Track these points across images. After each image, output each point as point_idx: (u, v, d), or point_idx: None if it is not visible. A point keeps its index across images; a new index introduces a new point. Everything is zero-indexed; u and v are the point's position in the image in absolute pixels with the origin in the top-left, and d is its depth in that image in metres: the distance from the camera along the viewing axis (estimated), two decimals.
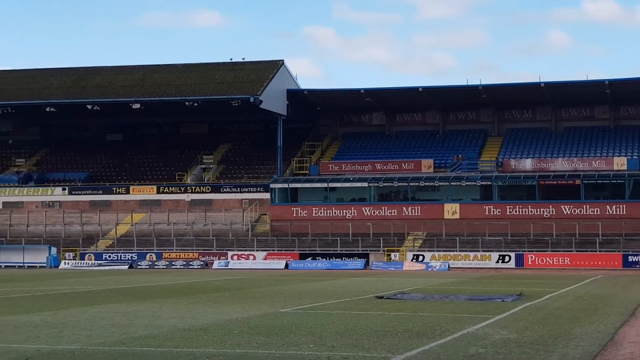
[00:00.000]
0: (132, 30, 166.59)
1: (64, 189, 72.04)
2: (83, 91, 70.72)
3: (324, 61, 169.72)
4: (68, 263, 61.60)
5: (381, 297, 28.44)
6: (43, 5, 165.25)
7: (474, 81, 74.88)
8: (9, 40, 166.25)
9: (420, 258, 58.85)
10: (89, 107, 70.48)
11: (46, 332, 18.42)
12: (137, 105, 68.20)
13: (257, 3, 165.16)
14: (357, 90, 70.36)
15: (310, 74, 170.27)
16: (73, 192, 71.69)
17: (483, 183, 64.43)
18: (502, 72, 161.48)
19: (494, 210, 62.95)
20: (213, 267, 59.56)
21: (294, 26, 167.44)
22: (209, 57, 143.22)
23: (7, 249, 63.79)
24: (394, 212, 64.37)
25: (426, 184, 65.17)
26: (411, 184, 65.09)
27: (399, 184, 65.41)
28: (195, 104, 68.89)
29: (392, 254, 59.63)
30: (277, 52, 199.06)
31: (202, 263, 60.28)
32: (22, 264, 61.57)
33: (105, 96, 69.55)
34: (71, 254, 62.84)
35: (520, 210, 62.66)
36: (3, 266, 61.47)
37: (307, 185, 67.22)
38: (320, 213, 65.42)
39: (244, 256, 61.08)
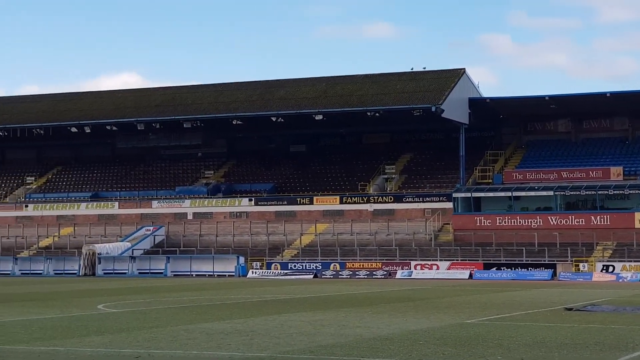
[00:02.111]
0: (310, 43, 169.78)
1: (250, 200, 73.97)
2: (267, 104, 72.32)
3: (500, 68, 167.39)
4: (255, 272, 63.12)
5: (570, 309, 27.68)
6: (230, 24, 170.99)
7: None
8: (200, 57, 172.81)
9: (610, 269, 56.88)
10: (274, 119, 71.93)
11: (237, 339, 18.88)
12: (320, 117, 69.04)
13: (431, 13, 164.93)
14: (542, 97, 68.77)
15: (486, 81, 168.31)
16: (259, 203, 73.49)
17: None
18: None
19: None
20: (396, 277, 59.60)
21: (469, 35, 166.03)
22: (383, 68, 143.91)
23: (198, 258, 65.99)
24: (582, 221, 62.47)
25: (615, 192, 62.92)
26: (599, 192, 63.00)
27: (587, 192, 63.42)
28: (377, 114, 69.07)
29: (581, 265, 57.92)
30: (452, 61, 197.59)
31: (385, 273, 60.43)
32: (211, 273, 63.58)
33: (288, 108, 70.86)
34: (258, 263, 64.35)
35: None
36: (194, 275, 63.64)
37: (491, 194, 66.25)
38: (505, 222, 64.28)
39: (427, 266, 60.80)
